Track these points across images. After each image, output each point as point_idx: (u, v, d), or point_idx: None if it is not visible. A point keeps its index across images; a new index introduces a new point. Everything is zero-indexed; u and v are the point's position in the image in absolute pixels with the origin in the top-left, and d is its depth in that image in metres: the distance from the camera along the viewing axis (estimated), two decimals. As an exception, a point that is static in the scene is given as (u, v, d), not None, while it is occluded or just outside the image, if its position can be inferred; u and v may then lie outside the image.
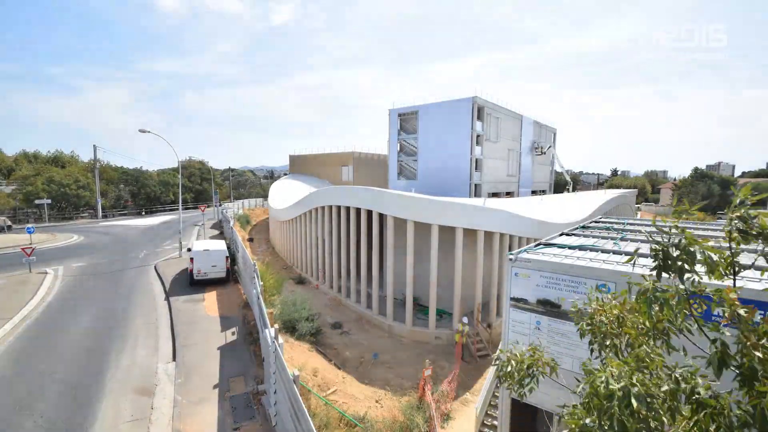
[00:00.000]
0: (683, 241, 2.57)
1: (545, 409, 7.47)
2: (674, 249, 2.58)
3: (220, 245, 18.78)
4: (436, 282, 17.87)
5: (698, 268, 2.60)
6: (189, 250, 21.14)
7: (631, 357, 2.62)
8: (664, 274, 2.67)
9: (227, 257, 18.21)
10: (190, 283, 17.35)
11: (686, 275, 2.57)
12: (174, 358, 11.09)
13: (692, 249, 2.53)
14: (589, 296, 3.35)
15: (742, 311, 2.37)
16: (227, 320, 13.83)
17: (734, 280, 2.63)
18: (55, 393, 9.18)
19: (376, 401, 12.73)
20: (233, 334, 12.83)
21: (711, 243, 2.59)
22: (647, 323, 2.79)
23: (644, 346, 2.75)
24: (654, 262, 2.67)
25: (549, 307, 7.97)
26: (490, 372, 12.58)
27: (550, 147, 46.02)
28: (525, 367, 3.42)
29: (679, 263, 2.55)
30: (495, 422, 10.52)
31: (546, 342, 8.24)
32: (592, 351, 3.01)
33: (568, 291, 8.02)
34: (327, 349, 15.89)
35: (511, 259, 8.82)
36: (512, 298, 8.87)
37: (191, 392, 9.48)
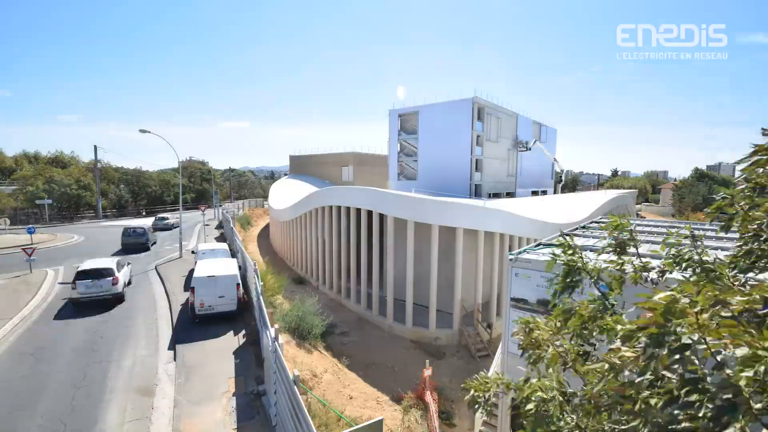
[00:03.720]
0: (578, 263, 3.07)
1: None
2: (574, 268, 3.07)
3: (230, 267, 14.24)
4: (436, 282, 17.88)
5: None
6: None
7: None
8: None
9: (238, 284, 13.75)
10: (192, 319, 13.41)
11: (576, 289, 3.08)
12: (174, 359, 11.10)
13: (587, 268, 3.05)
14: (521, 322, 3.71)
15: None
16: (227, 321, 13.83)
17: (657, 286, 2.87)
18: (55, 393, 9.19)
19: (376, 402, 12.73)
20: (233, 334, 12.83)
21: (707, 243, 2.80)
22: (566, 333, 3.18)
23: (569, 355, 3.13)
24: (562, 279, 3.11)
25: (549, 308, 7.97)
26: (490, 372, 12.56)
27: (536, 141, 45.41)
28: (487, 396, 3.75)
29: (576, 280, 3.06)
30: (495, 423, 10.50)
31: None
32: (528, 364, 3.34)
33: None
34: (326, 349, 15.89)
35: (511, 260, 8.82)
36: (512, 299, 8.87)
37: (191, 392, 9.49)
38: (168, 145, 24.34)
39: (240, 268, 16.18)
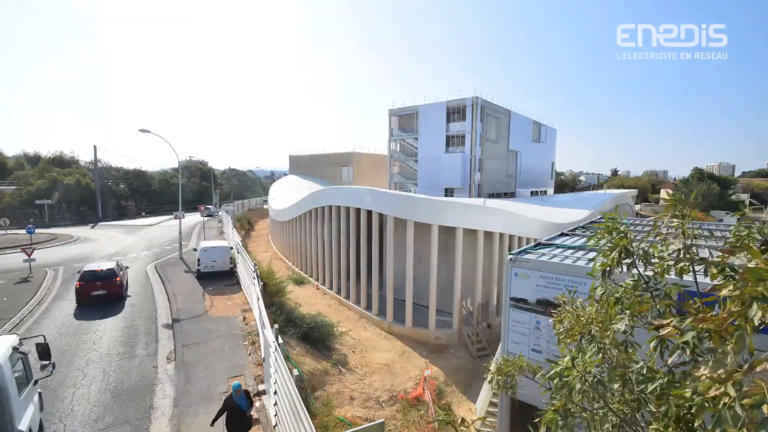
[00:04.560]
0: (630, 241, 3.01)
1: (541, 407, 7.48)
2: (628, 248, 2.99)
3: (224, 243, 21.53)
4: (436, 282, 17.88)
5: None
6: (195, 250, 21.94)
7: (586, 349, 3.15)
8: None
9: (231, 257, 20.27)
10: (197, 276, 19.29)
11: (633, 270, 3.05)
12: (174, 358, 11.10)
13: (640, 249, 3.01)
14: (561, 299, 3.91)
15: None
16: (228, 321, 13.84)
17: (694, 275, 2.81)
18: (55, 393, 9.19)
19: (376, 402, 12.74)
20: (233, 334, 12.84)
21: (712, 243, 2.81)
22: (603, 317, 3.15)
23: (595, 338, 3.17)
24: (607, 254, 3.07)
25: (549, 307, 7.96)
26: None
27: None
28: (505, 372, 3.89)
29: (629, 260, 2.98)
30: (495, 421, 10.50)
31: (546, 342, 8.24)
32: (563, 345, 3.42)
33: (568, 291, 8.01)
34: (326, 349, 15.89)
35: (511, 260, 8.83)
36: (512, 298, 8.87)
37: (191, 392, 9.49)
38: (168, 145, 24.32)
39: (231, 249, 21.01)
